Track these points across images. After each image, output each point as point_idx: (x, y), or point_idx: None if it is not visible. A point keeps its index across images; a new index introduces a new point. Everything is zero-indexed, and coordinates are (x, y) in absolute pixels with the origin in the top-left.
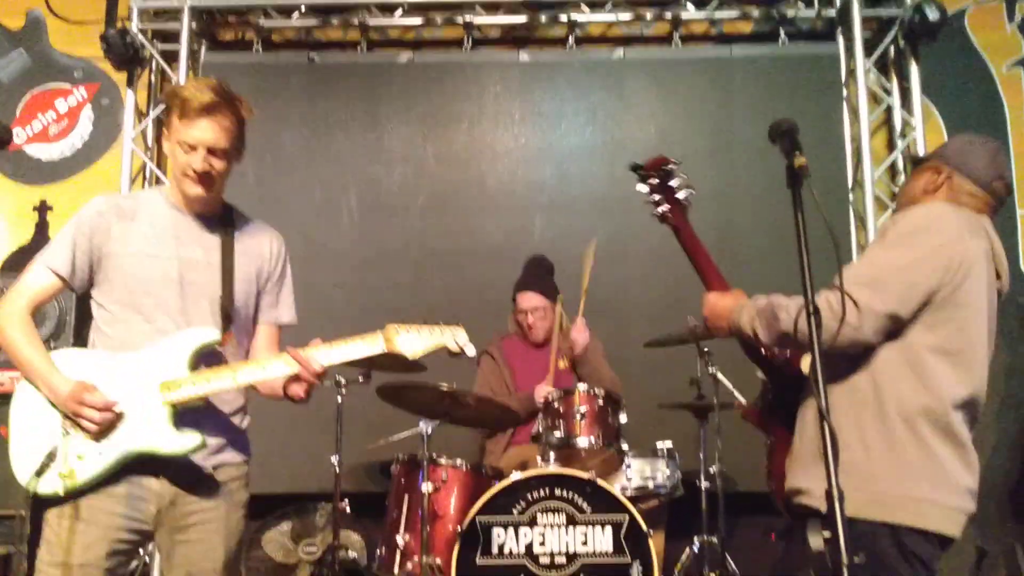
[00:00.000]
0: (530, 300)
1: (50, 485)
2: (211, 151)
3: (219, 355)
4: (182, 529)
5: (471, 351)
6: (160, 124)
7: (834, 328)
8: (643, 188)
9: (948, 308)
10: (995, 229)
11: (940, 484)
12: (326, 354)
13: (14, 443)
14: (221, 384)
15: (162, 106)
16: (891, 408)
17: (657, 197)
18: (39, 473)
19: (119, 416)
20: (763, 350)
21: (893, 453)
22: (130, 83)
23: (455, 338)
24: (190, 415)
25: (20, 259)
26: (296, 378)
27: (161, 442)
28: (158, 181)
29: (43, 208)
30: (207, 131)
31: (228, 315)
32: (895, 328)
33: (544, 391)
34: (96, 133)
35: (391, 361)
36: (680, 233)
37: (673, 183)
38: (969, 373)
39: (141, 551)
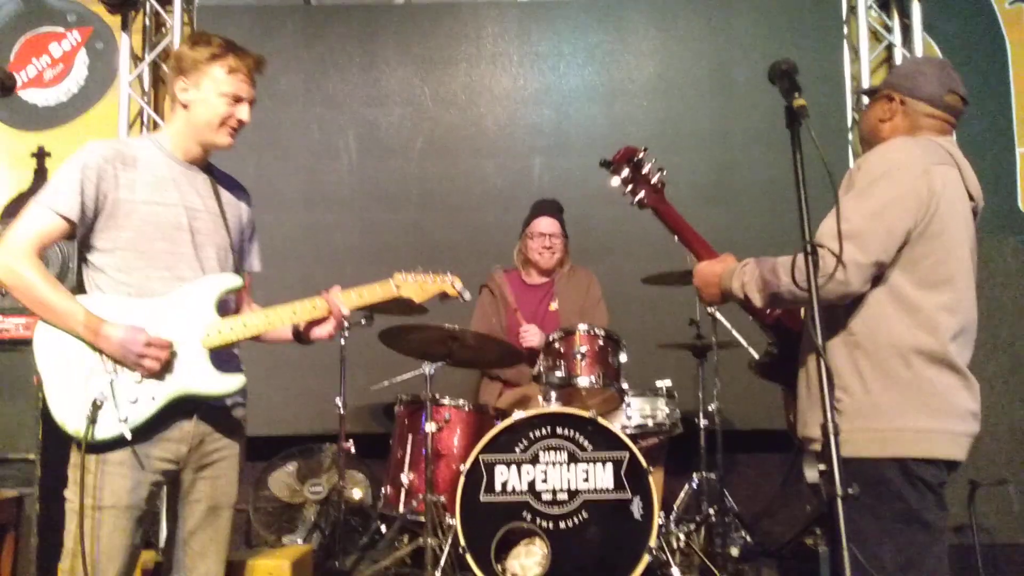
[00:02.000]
0: (550, 226)
1: (111, 430)
2: (250, 105)
3: (228, 302)
4: (205, 467)
5: (467, 296)
6: (156, 68)
7: (821, 284)
8: (616, 182)
9: (924, 242)
10: (960, 148)
11: (942, 412)
12: (350, 298)
13: (53, 391)
14: (258, 327)
15: (158, 50)
16: (886, 347)
17: (631, 187)
18: (93, 420)
19: (171, 358)
20: (758, 311)
21: (893, 390)
22: (124, 27)
23: (453, 284)
24: (217, 357)
25: (19, 205)
26: (318, 322)
27: (209, 383)
28: (156, 126)
29: (41, 154)
30: (253, 88)
31: (238, 262)
32: (880, 273)
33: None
34: (91, 78)
35: (395, 305)
36: (661, 215)
37: (644, 170)
38: (955, 300)
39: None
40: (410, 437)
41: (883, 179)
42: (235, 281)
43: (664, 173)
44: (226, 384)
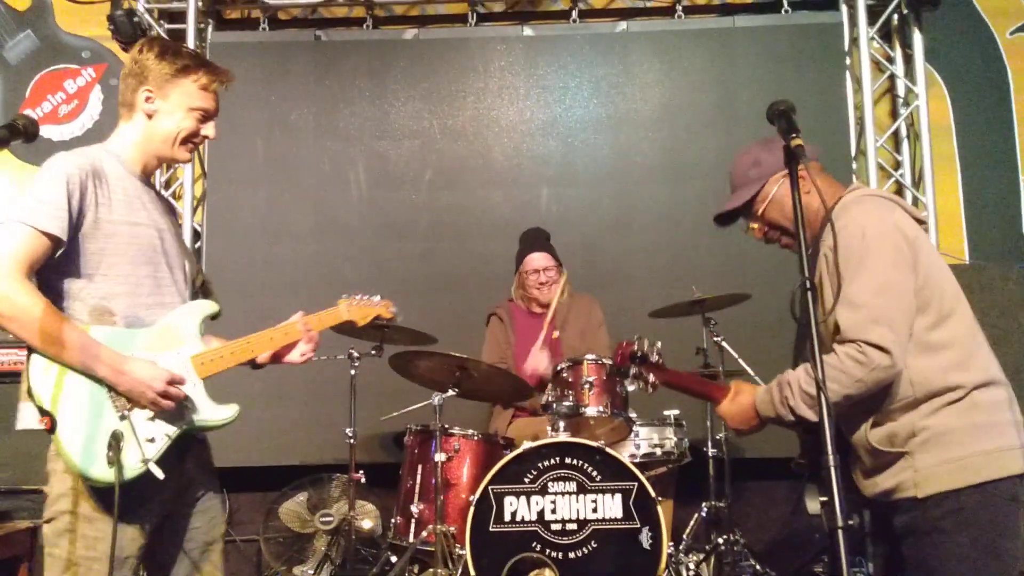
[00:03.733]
0: (543, 260)
1: (135, 471)
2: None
3: None
4: (194, 502)
5: (401, 318)
6: None
7: (875, 377)
8: (631, 385)
9: (924, 288)
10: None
11: (1005, 428)
12: (316, 323)
13: (68, 433)
14: (243, 355)
15: None
16: (940, 391)
17: (643, 380)
18: (111, 462)
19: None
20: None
21: (960, 418)
22: None
23: (388, 308)
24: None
25: None
26: (291, 346)
27: (210, 415)
28: (170, 164)
29: None
30: (217, 103)
31: (203, 285)
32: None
33: (533, 366)
34: (106, 113)
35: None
36: (672, 385)
37: (643, 356)
38: (967, 319)
39: None
40: (420, 467)
41: (868, 252)
42: (214, 307)
43: (660, 346)
44: (225, 413)
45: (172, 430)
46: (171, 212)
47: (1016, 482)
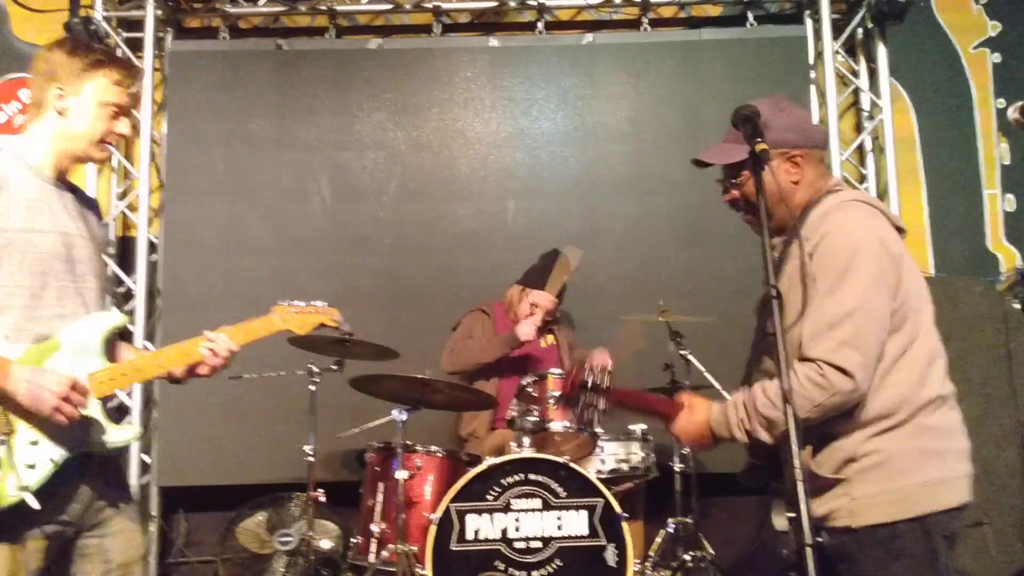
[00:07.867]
0: (547, 301)
1: (10, 500)
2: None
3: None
4: (102, 523)
5: (347, 327)
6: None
7: (835, 402)
8: (578, 412)
9: (900, 306)
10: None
11: (949, 456)
12: (235, 336)
13: None
14: (150, 371)
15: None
16: (891, 409)
17: (592, 406)
18: None
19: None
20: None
21: (904, 444)
22: None
23: (332, 317)
24: (105, 403)
25: None
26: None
27: (105, 436)
28: (126, 173)
29: None
30: (135, 97)
31: (111, 292)
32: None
33: (526, 330)
34: None
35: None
36: (624, 405)
37: (591, 382)
38: (931, 340)
39: None
40: (381, 485)
41: (851, 268)
42: (120, 319)
43: (608, 368)
44: (124, 435)
45: (58, 455)
46: (91, 215)
47: (954, 515)
